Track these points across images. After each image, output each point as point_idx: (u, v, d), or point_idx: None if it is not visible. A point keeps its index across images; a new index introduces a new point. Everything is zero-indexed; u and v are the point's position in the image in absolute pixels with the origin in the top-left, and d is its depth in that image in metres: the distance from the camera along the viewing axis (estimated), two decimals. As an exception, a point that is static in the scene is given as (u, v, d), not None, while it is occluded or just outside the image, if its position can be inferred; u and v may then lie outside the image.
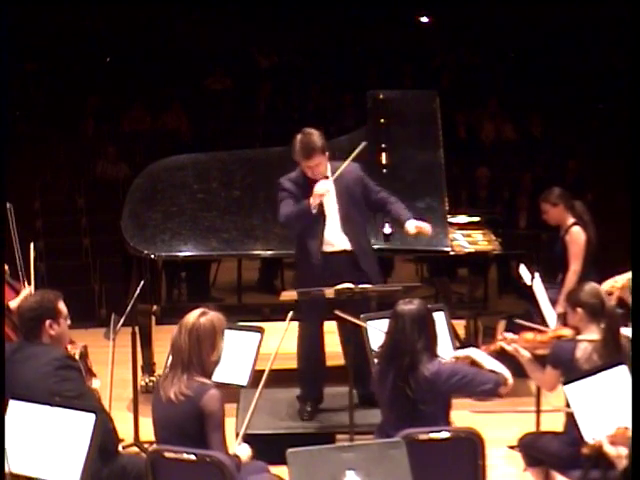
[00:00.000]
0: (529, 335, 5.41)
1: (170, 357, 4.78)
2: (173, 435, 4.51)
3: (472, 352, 5.08)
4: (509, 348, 5.34)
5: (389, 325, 4.96)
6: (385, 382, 4.89)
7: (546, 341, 5.34)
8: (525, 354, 5.34)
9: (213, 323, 4.59)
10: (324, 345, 6.76)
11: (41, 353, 4.80)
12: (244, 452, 4.68)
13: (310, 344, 6.71)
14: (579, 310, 5.18)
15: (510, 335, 5.43)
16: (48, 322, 4.88)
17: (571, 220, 7.57)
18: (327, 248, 6.51)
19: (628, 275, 6.47)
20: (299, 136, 6.45)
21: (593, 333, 5.11)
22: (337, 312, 5.79)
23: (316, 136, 6.43)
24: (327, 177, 6.47)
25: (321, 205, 6.44)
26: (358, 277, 6.25)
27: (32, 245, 6.64)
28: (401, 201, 7.39)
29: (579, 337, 5.16)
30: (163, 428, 4.60)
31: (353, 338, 6.27)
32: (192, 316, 4.60)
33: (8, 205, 6.72)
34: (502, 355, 5.49)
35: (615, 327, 5.08)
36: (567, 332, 5.30)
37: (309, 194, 6.40)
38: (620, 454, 4.29)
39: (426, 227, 6.53)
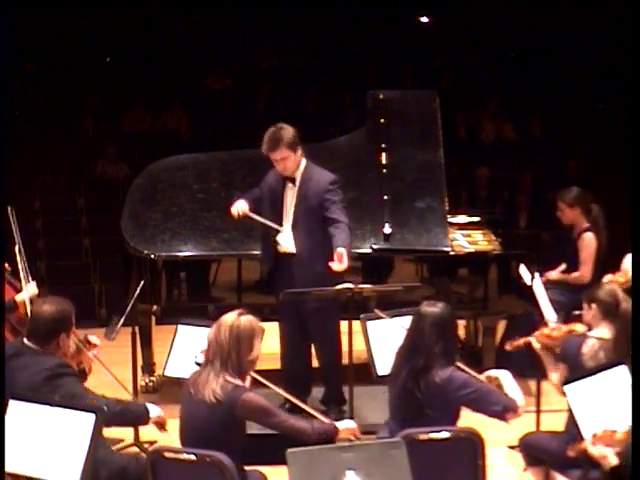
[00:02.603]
0: (546, 330, 5.53)
1: (200, 352, 4.79)
2: (196, 436, 4.51)
3: (502, 375, 4.97)
4: (537, 346, 5.38)
5: (410, 324, 4.96)
6: (398, 379, 4.89)
7: (560, 336, 5.39)
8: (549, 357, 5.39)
9: (252, 324, 4.64)
10: (306, 344, 6.73)
11: (35, 363, 4.77)
12: (345, 425, 4.70)
13: (286, 345, 6.72)
14: (593, 306, 5.22)
15: (536, 332, 5.49)
16: (62, 335, 4.89)
17: (585, 225, 7.49)
18: (280, 248, 6.55)
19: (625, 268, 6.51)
20: (270, 129, 6.47)
21: (604, 331, 5.14)
22: (376, 311, 5.78)
23: (286, 131, 6.43)
24: (294, 178, 6.48)
25: (279, 207, 6.51)
26: (291, 283, 6.27)
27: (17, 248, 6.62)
28: (400, 202, 7.40)
29: (589, 333, 5.20)
30: (188, 427, 4.61)
31: (325, 338, 6.30)
32: (231, 316, 4.63)
33: (9, 208, 6.71)
34: (504, 352, 5.52)
35: (627, 329, 5.07)
36: (580, 327, 5.37)
37: (282, 192, 6.49)
38: (604, 454, 4.29)
39: (341, 263, 6.13)
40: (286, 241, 6.51)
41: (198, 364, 4.80)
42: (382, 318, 5.71)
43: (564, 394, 5.26)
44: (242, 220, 6.63)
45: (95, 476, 4.44)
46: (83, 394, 4.80)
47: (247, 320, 4.64)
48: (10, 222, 6.65)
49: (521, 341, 5.57)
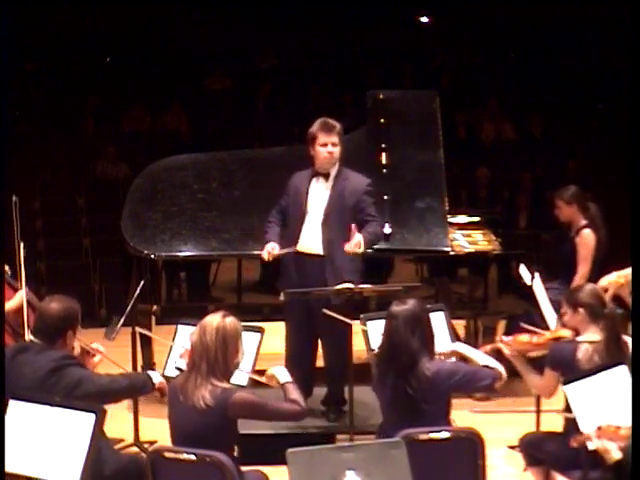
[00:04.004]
0: (524, 337, 5.36)
1: (180, 356, 4.76)
2: (187, 439, 4.50)
3: (458, 347, 5.12)
4: (507, 352, 5.34)
5: (385, 326, 4.98)
6: (385, 383, 4.89)
7: (543, 343, 5.32)
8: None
9: (237, 325, 4.59)
10: (312, 346, 6.74)
11: (39, 358, 4.79)
12: (278, 371, 4.75)
13: (293, 345, 6.72)
14: (580, 311, 5.16)
15: (508, 338, 5.42)
16: (69, 333, 4.90)
17: (583, 222, 7.46)
18: (302, 249, 6.52)
19: (628, 271, 6.48)
20: (321, 118, 6.52)
21: (593, 334, 5.11)
22: (325, 311, 5.79)
23: (334, 121, 6.51)
24: (326, 175, 6.48)
25: (303, 206, 6.48)
26: (320, 283, 6.22)
27: (22, 245, 6.60)
28: (400, 202, 7.41)
29: (579, 338, 5.16)
30: (179, 432, 4.59)
31: (334, 339, 6.31)
32: (216, 317, 4.57)
33: (14, 199, 6.71)
34: (498, 357, 5.50)
35: (616, 328, 5.08)
36: (566, 333, 5.28)
37: (307, 187, 6.46)
38: (607, 448, 4.30)
39: (354, 245, 6.25)
40: (313, 241, 6.48)
41: (179, 369, 4.78)
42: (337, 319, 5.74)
43: (549, 397, 5.31)
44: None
45: (97, 476, 4.45)
46: (89, 376, 4.83)
47: (232, 321, 4.57)
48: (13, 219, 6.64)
49: (488, 347, 5.41)
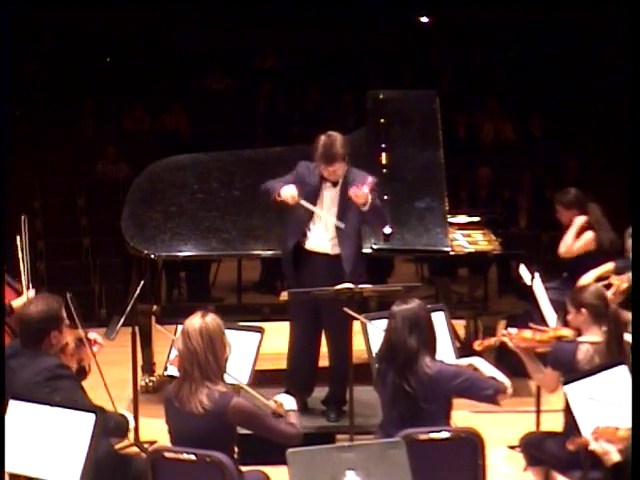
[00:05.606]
0: (527, 333, 5.37)
1: (169, 363, 4.73)
2: (187, 443, 4.48)
3: (475, 361, 5.07)
4: (511, 345, 5.35)
5: (386, 326, 4.99)
6: (385, 382, 4.90)
7: (546, 340, 5.33)
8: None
9: (217, 321, 4.58)
10: (315, 345, 6.74)
11: (33, 363, 4.76)
12: (284, 399, 4.70)
13: (297, 344, 6.72)
14: (583, 311, 5.17)
15: (513, 331, 5.42)
16: (53, 333, 4.86)
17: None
18: (311, 248, 6.53)
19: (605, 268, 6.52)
20: (323, 138, 6.42)
21: (595, 335, 5.11)
22: (346, 310, 5.76)
23: (339, 142, 6.41)
24: (338, 182, 6.49)
25: (312, 204, 6.47)
26: (335, 282, 6.19)
27: (18, 238, 6.57)
28: (400, 202, 7.41)
29: (580, 339, 5.16)
30: (178, 437, 4.57)
31: (341, 337, 6.31)
32: (196, 319, 4.55)
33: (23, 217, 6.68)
34: (503, 353, 5.50)
35: (618, 330, 5.07)
36: (568, 332, 5.29)
37: (319, 184, 6.47)
38: (606, 450, 4.30)
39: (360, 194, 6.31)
40: (323, 241, 6.52)
41: (171, 376, 4.75)
42: (356, 319, 5.72)
43: (551, 393, 5.31)
44: (285, 208, 6.47)
45: (96, 476, 4.44)
46: (82, 400, 4.77)
47: (212, 319, 4.56)
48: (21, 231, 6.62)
49: (492, 340, 5.46)
